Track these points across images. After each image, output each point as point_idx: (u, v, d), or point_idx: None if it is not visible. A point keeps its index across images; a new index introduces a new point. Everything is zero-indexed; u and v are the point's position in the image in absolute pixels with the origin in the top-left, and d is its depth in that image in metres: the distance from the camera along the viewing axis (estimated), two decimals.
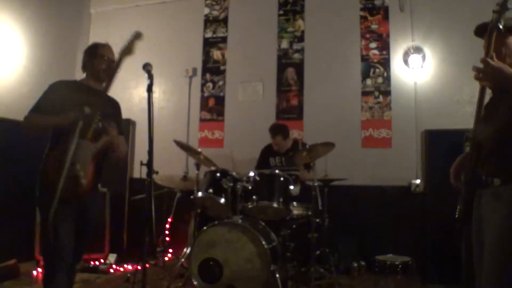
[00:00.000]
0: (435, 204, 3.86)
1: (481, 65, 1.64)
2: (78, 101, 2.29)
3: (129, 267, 4.26)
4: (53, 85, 2.34)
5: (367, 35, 4.90)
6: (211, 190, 3.44)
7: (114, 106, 2.54)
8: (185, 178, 4.21)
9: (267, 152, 4.44)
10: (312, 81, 5.04)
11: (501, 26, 1.64)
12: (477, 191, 1.83)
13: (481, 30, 1.85)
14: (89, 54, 2.43)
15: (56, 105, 2.23)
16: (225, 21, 5.40)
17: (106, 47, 2.45)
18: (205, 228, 3.22)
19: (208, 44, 5.41)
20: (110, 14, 5.74)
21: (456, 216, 1.91)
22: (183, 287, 3.48)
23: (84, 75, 2.45)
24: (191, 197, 3.55)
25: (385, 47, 4.84)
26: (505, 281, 1.66)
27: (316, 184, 3.61)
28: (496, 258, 1.68)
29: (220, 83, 5.33)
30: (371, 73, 4.85)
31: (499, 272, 1.67)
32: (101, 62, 2.38)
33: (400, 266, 3.98)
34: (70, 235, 2.15)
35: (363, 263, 4.16)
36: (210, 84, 5.36)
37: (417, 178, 4.50)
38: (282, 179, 3.47)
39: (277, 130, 4.33)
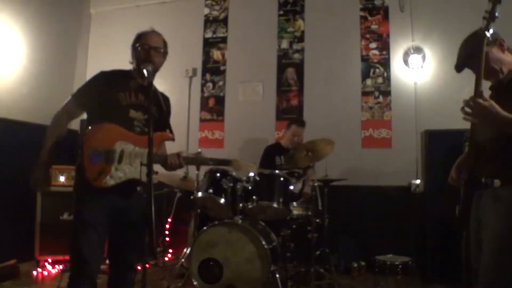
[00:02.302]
0: (435, 204, 3.86)
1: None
2: (123, 101, 2.13)
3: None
4: (99, 74, 2.19)
5: (367, 35, 4.90)
6: (211, 190, 3.44)
7: (159, 102, 2.30)
8: (185, 178, 4.21)
9: (273, 151, 4.40)
10: (312, 81, 5.03)
11: (488, 35, 1.65)
12: (477, 192, 1.84)
13: (462, 65, 1.88)
14: (132, 46, 2.23)
15: (98, 97, 2.09)
16: (225, 21, 5.40)
17: (147, 34, 2.23)
18: (205, 228, 3.22)
19: (208, 44, 5.41)
20: (110, 14, 5.73)
21: (456, 215, 1.92)
22: (183, 287, 3.49)
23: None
24: (191, 197, 3.55)
25: (385, 47, 4.84)
26: (503, 281, 1.66)
27: (316, 184, 3.62)
28: (494, 258, 1.68)
29: (220, 83, 5.33)
30: (371, 73, 4.85)
31: (496, 272, 1.68)
32: (140, 52, 2.17)
33: (400, 266, 3.99)
34: (95, 245, 2.00)
35: (363, 263, 4.16)
36: (210, 84, 5.36)
37: (417, 178, 4.50)
38: (282, 179, 3.47)
39: (302, 122, 4.42)
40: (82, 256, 1.97)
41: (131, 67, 2.26)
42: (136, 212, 2.16)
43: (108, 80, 2.15)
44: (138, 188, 2.18)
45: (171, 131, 2.30)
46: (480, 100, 1.63)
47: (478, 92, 1.67)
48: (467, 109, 1.66)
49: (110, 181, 2.01)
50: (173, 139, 2.27)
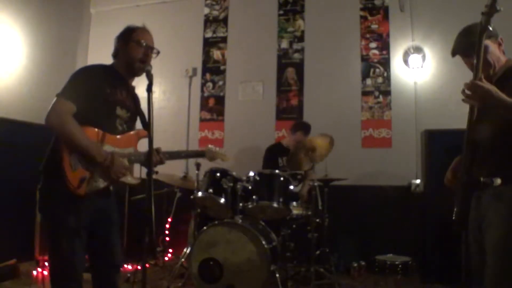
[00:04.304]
0: (435, 204, 3.85)
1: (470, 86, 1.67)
2: (111, 98, 2.04)
3: (129, 267, 4.25)
4: (83, 70, 2.07)
5: (367, 35, 4.90)
6: (211, 190, 3.44)
7: (137, 99, 2.21)
8: (185, 178, 4.21)
9: (275, 152, 4.39)
10: (312, 81, 5.03)
11: (491, 28, 1.65)
12: (475, 192, 1.82)
13: (458, 50, 1.89)
14: (122, 40, 2.11)
15: (86, 94, 1.95)
16: (225, 21, 5.40)
17: (143, 32, 2.11)
18: (205, 228, 3.22)
19: (208, 44, 5.41)
20: (110, 14, 5.73)
21: (454, 218, 1.91)
22: (183, 287, 3.49)
23: (114, 61, 2.16)
24: (191, 197, 3.55)
25: (385, 47, 4.84)
26: (509, 281, 1.65)
27: (316, 184, 3.61)
28: (500, 258, 1.68)
29: (220, 83, 5.33)
30: (371, 73, 4.84)
31: (503, 271, 1.67)
32: (137, 50, 2.06)
33: (400, 266, 3.99)
34: (79, 250, 1.94)
35: (363, 263, 4.16)
36: (210, 84, 5.36)
37: (417, 178, 4.50)
38: (282, 179, 3.47)
39: (309, 128, 4.28)
40: (70, 262, 1.92)
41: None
42: (113, 212, 2.15)
43: (93, 76, 2.04)
44: (111, 187, 2.13)
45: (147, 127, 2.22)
46: (481, 83, 1.63)
47: (478, 77, 1.67)
48: (468, 92, 1.67)
49: (94, 187, 1.93)
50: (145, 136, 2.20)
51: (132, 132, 2.13)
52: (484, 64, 1.79)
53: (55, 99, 1.92)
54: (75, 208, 1.93)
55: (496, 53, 1.85)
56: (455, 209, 1.88)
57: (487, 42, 1.76)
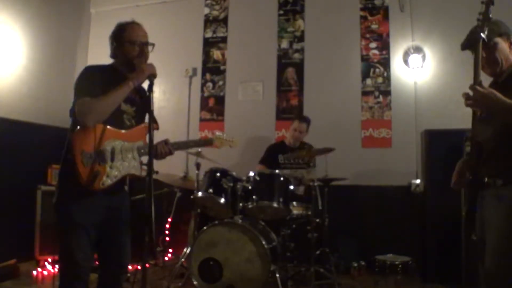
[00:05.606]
0: (435, 204, 3.86)
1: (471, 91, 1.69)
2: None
3: (129, 267, 4.25)
4: (88, 68, 2.10)
5: (367, 35, 4.90)
6: (211, 190, 3.45)
7: (143, 93, 2.21)
8: (185, 178, 4.21)
9: (276, 149, 4.39)
10: (312, 81, 5.03)
11: (483, 36, 1.67)
12: (480, 192, 1.83)
13: (467, 44, 1.90)
14: (116, 41, 2.12)
15: (96, 88, 1.99)
16: (225, 21, 5.40)
17: (134, 29, 2.12)
18: (205, 228, 3.22)
19: (208, 44, 5.41)
20: (110, 14, 5.73)
21: (464, 216, 1.92)
22: (183, 287, 3.49)
23: (113, 61, 2.19)
24: (191, 197, 3.56)
25: (385, 47, 4.84)
26: (505, 281, 1.66)
27: (316, 184, 3.61)
28: (497, 258, 1.68)
29: (220, 83, 5.33)
30: (371, 73, 4.84)
31: (499, 271, 1.67)
32: (132, 49, 2.08)
33: (400, 266, 3.98)
34: (86, 247, 1.96)
35: (363, 263, 4.16)
36: (210, 84, 5.36)
37: (417, 178, 4.50)
38: (282, 179, 3.47)
39: (307, 118, 4.40)
40: (75, 259, 1.93)
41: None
42: (125, 212, 2.16)
43: (98, 75, 2.08)
44: (125, 187, 2.17)
45: (155, 121, 2.17)
46: (479, 88, 1.64)
47: (477, 81, 1.68)
48: (469, 101, 1.69)
49: (107, 181, 1.97)
50: (157, 129, 2.19)
51: (140, 126, 2.17)
52: (492, 61, 1.81)
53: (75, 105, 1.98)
54: (85, 206, 1.96)
55: (505, 51, 1.85)
56: (464, 209, 1.90)
57: (498, 39, 1.81)
